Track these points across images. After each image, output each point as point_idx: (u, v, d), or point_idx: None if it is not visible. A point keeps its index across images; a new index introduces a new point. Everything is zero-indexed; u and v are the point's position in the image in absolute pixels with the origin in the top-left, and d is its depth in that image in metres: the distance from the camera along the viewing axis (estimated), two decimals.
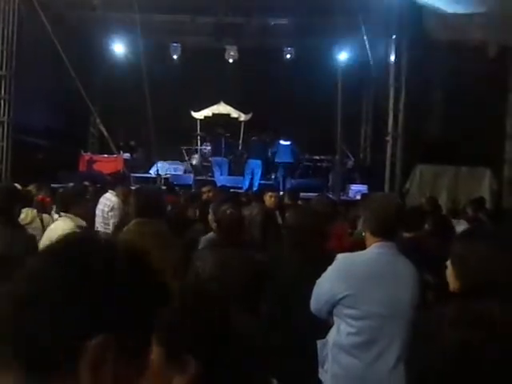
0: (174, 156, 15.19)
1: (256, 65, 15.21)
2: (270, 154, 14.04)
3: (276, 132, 14.20)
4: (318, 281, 2.87)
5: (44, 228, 5.01)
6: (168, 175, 13.58)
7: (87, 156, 14.20)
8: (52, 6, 12.68)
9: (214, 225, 4.05)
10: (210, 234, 4.54)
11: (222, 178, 13.74)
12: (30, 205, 5.41)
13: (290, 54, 15.35)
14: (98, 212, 6.54)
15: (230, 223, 3.61)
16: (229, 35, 14.87)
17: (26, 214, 5.37)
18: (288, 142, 13.91)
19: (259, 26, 14.30)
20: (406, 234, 4.38)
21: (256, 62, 15.21)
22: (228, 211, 3.62)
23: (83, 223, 4.59)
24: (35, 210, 5.50)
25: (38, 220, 5.44)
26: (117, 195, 6.71)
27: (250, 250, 3.75)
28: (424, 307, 2.63)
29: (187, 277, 3.53)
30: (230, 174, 14.46)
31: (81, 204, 4.68)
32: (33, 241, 3.87)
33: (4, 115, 12.39)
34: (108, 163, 13.76)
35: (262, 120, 15.29)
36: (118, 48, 15.30)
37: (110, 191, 6.84)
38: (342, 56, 12.53)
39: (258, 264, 3.63)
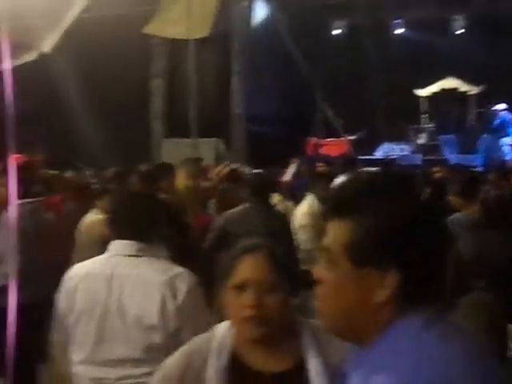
0: (400, 136, 14.82)
1: (485, 34, 14.04)
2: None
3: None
4: None
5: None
6: (395, 156, 13.31)
7: (313, 141, 14.58)
8: None
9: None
10: (458, 214, 4.30)
11: (452, 157, 13.04)
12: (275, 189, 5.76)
13: None
14: None
15: (495, 205, 3.35)
16: (454, 4, 13.96)
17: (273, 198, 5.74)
18: None
19: None
20: None
21: (486, 31, 14.04)
22: (493, 192, 3.37)
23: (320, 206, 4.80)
24: (280, 196, 5.86)
25: (281, 205, 5.81)
26: None
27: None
28: None
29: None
30: (460, 152, 13.62)
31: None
32: (285, 219, 4.10)
33: (238, 108, 13.39)
34: (334, 146, 13.98)
35: (493, 92, 14.08)
36: (337, 30, 15.35)
37: (341, 176, 6.90)
38: None
39: None
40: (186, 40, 10.04)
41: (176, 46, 12.68)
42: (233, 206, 4.03)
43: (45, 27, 11.02)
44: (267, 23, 12.53)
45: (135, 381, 2.11)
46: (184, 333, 2.08)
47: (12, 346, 2.64)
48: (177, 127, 13.04)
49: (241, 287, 1.52)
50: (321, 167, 7.63)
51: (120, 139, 12.49)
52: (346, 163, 7.83)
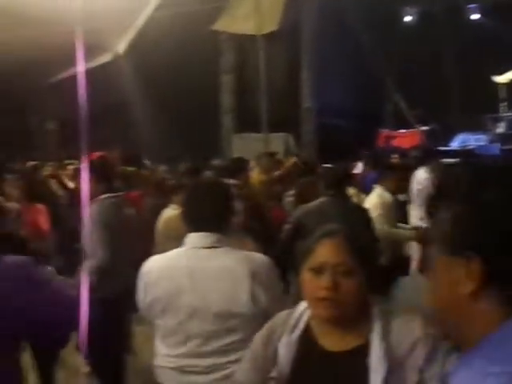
0: (477, 126, 14.24)
1: None
2: None
3: None
4: None
5: None
6: (471, 146, 12.81)
7: (385, 132, 14.29)
8: None
9: None
10: None
11: None
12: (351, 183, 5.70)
13: None
14: (412, 189, 6.46)
15: None
16: None
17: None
18: None
19: None
20: None
21: None
22: None
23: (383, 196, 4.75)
24: (354, 190, 5.78)
25: (356, 198, 5.73)
26: (431, 171, 6.51)
27: None
28: None
29: None
30: None
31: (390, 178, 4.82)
32: (365, 212, 4.04)
33: (307, 101, 13.31)
34: (406, 138, 13.64)
35: None
36: (408, 17, 14.94)
37: (422, 167, 6.69)
38: None
39: None
40: (255, 35, 10.05)
41: (244, 41, 12.74)
42: (311, 200, 4.02)
43: (119, 28, 11.36)
44: (336, 14, 12.36)
45: (220, 368, 2.15)
46: (270, 314, 2.07)
47: (85, 338, 2.74)
48: (246, 122, 13.14)
49: (318, 269, 1.57)
50: (395, 159, 7.48)
51: (191, 135, 12.72)
52: (426, 154, 7.61)
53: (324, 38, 13.39)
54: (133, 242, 3.76)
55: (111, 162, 4.56)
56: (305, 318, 1.65)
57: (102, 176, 3.90)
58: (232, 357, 2.12)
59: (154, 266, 2.28)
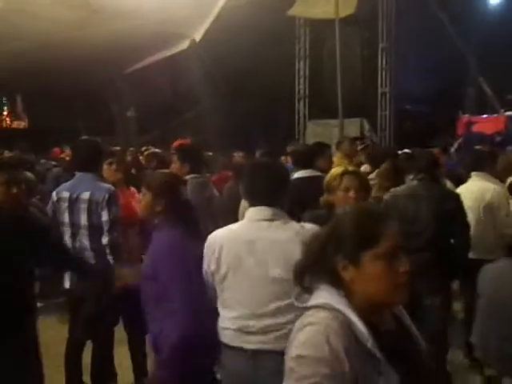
0: None
1: None
2: None
3: None
4: None
5: None
6: None
7: (465, 118, 13.73)
8: None
9: None
10: None
11: None
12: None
13: None
14: None
15: None
16: None
17: None
18: None
19: None
20: None
21: None
22: None
23: (496, 181, 4.52)
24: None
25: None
26: None
27: None
28: None
29: None
30: None
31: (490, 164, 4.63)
32: (459, 198, 3.92)
33: (386, 86, 13.03)
34: (488, 123, 13.04)
35: None
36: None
37: None
38: None
39: None
40: (331, 20, 9.90)
41: (320, 26, 12.59)
42: (394, 184, 3.94)
43: (196, 17, 11.53)
44: None
45: (279, 328, 2.30)
46: None
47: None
48: (321, 108, 13.03)
49: (392, 254, 1.45)
50: (484, 145, 7.24)
51: (265, 121, 12.76)
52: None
53: (402, 21, 13.03)
54: (215, 223, 3.82)
55: (196, 146, 4.67)
56: (354, 319, 1.44)
57: (187, 158, 4.02)
58: (289, 316, 2.24)
59: (218, 237, 2.46)
